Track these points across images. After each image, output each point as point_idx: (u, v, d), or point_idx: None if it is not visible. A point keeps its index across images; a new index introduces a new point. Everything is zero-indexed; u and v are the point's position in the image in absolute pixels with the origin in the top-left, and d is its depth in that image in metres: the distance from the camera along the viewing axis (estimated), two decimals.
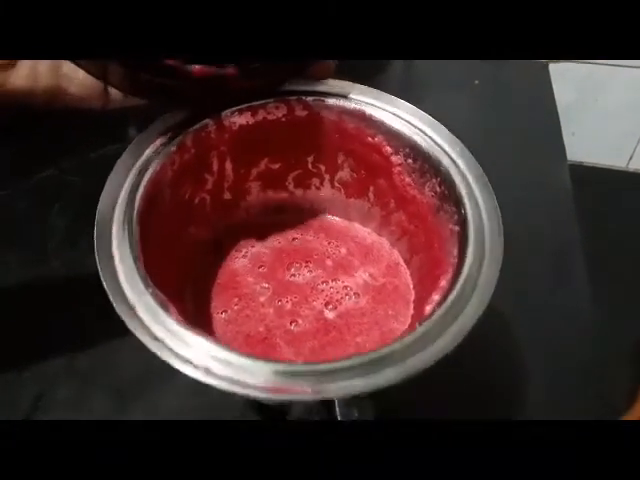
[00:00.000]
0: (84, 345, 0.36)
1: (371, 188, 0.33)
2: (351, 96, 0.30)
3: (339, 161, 0.33)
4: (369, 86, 0.31)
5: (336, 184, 0.34)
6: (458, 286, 0.24)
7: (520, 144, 0.51)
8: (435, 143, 0.28)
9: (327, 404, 0.21)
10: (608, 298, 0.42)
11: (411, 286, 0.31)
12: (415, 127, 0.29)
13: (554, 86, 0.59)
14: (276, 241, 0.32)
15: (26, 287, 0.39)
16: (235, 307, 0.29)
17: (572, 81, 0.63)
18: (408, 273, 0.32)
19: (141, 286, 0.22)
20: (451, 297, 0.23)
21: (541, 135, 0.52)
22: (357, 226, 0.34)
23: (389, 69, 0.61)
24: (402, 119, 0.29)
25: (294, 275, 0.31)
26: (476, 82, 0.59)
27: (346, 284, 0.31)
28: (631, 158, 0.68)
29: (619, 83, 0.63)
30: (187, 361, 0.21)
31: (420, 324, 0.22)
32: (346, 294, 0.30)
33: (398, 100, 0.30)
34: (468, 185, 0.27)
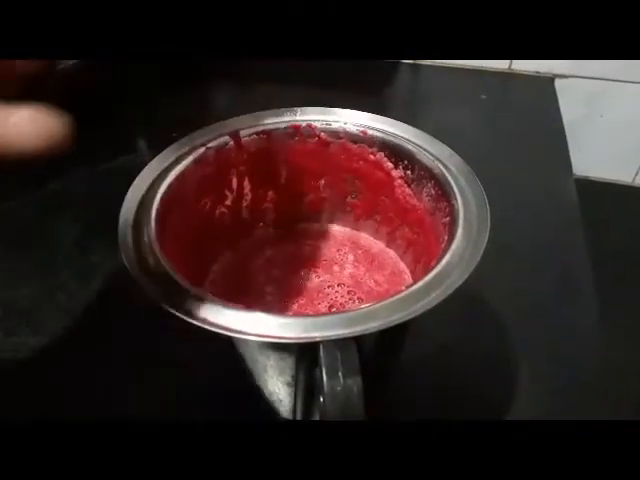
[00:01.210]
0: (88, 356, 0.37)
1: (377, 207, 0.35)
2: (351, 119, 0.34)
3: (347, 183, 0.36)
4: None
5: (346, 207, 0.37)
6: (444, 261, 0.25)
7: (526, 159, 0.52)
8: (426, 151, 0.31)
9: (313, 350, 0.22)
10: (615, 311, 0.41)
11: None
12: (408, 140, 0.32)
13: (560, 101, 0.61)
14: (290, 246, 0.35)
15: (34, 298, 0.41)
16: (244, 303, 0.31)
17: (578, 96, 0.65)
18: (412, 280, 0.33)
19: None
20: (436, 269, 0.25)
21: (547, 150, 0.54)
22: (365, 236, 0.36)
23: (396, 82, 0.65)
24: (397, 135, 0.33)
25: (303, 279, 0.33)
26: (483, 97, 0.62)
27: (351, 289, 0.33)
28: (637, 173, 0.68)
29: (625, 99, 0.64)
30: (187, 311, 0.23)
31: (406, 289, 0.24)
32: (350, 298, 0.32)
33: (389, 119, 0.34)
34: (458, 182, 0.29)
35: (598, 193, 0.68)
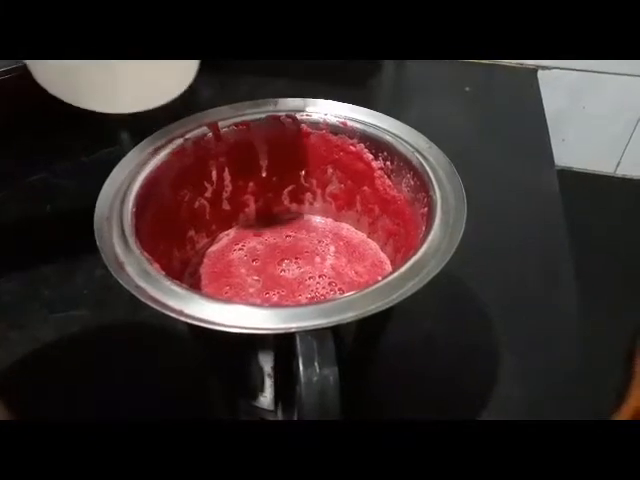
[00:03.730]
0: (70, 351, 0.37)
1: (358, 197, 0.35)
2: (332, 110, 0.34)
3: (328, 174, 0.36)
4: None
5: (327, 198, 0.37)
6: (421, 251, 0.25)
7: (509, 150, 0.53)
8: (406, 142, 0.31)
9: (290, 341, 0.22)
10: (595, 301, 0.41)
11: None
12: (388, 131, 0.32)
13: (542, 93, 0.62)
14: (271, 237, 0.35)
15: (16, 292, 0.41)
16: (225, 295, 0.31)
17: (560, 88, 0.66)
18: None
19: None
20: (413, 259, 0.25)
21: (530, 141, 0.54)
22: (346, 227, 0.36)
23: (380, 74, 0.65)
24: (377, 126, 0.33)
25: (284, 270, 0.33)
26: (467, 89, 0.62)
27: (332, 280, 0.33)
28: (619, 164, 0.70)
29: (606, 90, 0.65)
30: (163, 304, 0.23)
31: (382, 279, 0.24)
32: (331, 290, 0.32)
33: (370, 110, 0.34)
34: (437, 173, 0.29)
35: (580, 184, 0.68)
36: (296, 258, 0.34)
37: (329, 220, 0.37)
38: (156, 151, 0.30)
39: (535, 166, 0.51)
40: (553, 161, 0.53)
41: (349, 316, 0.22)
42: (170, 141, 0.31)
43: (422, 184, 0.30)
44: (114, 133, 0.58)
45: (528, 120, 0.58)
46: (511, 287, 0.40)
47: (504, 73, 0.66)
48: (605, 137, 0.68)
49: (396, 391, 0.34)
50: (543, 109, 0.59)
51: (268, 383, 0.29)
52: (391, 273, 0.24)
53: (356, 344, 0.27)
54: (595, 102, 0.66)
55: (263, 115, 0.34)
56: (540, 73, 0.66)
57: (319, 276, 0.33)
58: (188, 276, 0.33)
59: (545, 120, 0.58)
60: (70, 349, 0.38)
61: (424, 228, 0.28)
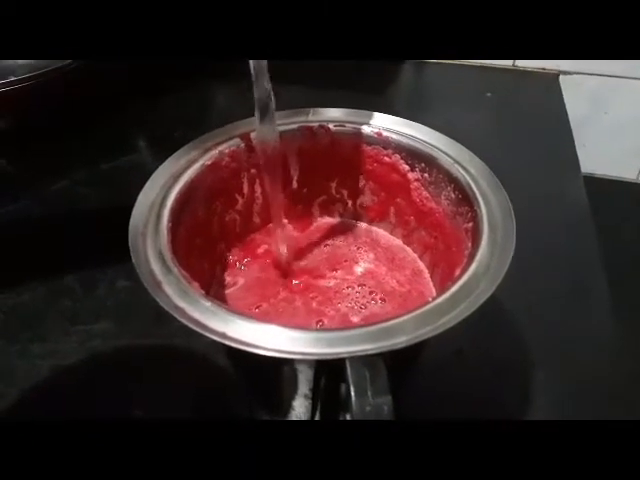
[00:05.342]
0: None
1: (392, 209, 0.34)
2: (366, 120, 0.33)
3: (360, 185, 0.35)
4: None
5: (358, 209, 0.36)
6: (470, 270, 0.24)
7: (533, 157, 0.52)
8: (445, 154, 0.30)
9: (337, 366, 0.21)
10: (625, 310, 0.40)
11: (434, 293, 0.31)
12: (426, 142, 0.31)
13: (564, 98, 0.61)
14: (308, 247, 0.34)
15: (37, 303, 0.40)
16: (260, 308, 0.30)
17: (582, 93, 0.65)
18: (431, 282, 0.32)
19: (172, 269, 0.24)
20: (463, 279, 0.24)
21: (554, 147, 0.53)
22: (382, 232, 0.36)
23: (399, 81, 0.64)
24: (414, 137, 0.32)
25: (323, 279, 0.32)
26: (488, 95, 0.61)
27: (372, 289, 0.31)
28: None
29: (629, 95, 0.64)
30: (203, 325, 0.22)
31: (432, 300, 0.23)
32: (372, 299, 0.31)
33: (406, 120, 0.33)
34: (480, 187, 0.28)
35: (602, 190, 0.67)
36: (335, 267, 0.33)
37: (364, 225, 0.36)
38: (189, 164, 0.29)
39: (561, 173, 0.50)
40: (579, 167, 0.51)
41: (401, 341, 0.21)
42: (203, 153, 0.30)
43: (465, 197, 0.29)
44: (132, 140, 0.57)
45: (552, 126, 0.57)
46: (541, 298, 0.38)
47: (526, 78, 0.65)
48: (627, 143, 0.67)
49: (428, 405, 0.33)
50: (567, 114, 0.58)
51: (303, 403, 0.28)
52: (441, 294, 0.23)
53: (400, 366, 0.26)
54: (617, 108, 0.65)
55: (295, 126, 0.33)
56: (562, 78, 0.65)
57: (359, 285, 0.32)
58: (218, 288, 0.32)
59: (569, 126, 0.57)
60: (91, 362, 0.37)
61: (470, 244, 0.27)
